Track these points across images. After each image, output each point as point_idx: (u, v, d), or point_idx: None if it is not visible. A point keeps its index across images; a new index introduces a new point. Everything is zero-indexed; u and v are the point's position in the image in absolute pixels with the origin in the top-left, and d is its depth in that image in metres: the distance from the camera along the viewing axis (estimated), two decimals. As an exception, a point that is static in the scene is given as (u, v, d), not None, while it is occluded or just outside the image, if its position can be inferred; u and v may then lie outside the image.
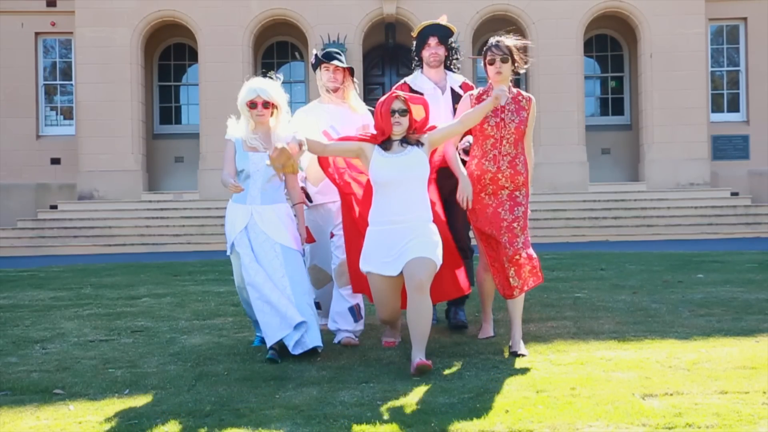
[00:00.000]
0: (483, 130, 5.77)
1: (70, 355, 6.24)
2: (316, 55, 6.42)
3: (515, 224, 5.71)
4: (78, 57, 20.09)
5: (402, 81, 6.47)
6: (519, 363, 5.46)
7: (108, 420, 4.46)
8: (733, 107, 21.29)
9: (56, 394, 5.07)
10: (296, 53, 21.45)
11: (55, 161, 20.96)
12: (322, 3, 19.83)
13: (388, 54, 21.19)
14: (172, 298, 9.12)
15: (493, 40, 5.87)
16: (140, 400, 4.85)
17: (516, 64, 5.80)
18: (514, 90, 5.89)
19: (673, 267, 11.21)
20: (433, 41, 6.23)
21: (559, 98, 19.82)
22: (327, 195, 6.36)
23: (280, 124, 5.98)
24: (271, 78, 6.07)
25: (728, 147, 20.92)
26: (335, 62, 6.34)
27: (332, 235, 6.30)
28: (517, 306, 5.81)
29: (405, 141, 5.55)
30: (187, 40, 20.90)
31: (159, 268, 12.83)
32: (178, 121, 21.63)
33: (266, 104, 5.89)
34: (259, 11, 19.98)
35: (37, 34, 21.14)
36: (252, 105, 5.87)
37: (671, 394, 4.62)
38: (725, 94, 21.37)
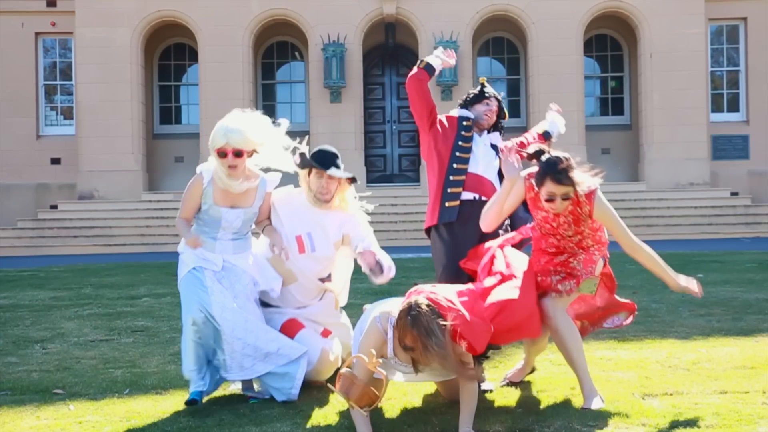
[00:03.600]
0: (543, 250, 4.75)
1: (70, 355, 6.24)
2: (303, 155, 5.06)
3: (557, 285, 4.61)
4: (78, 57, 20.08)
5: (453, 114, 5.50)
6: (519, 363, 5.46)
7: (108, 420, 4.46)
8: (733, 107, 21.28)
9: (56, 394, 5.07)
10: (296, 53, 21.44)
11: (55, 161, 20.94)
12: (322, 3, 19.82)
13: (388, 54, 21.18)
14: (172, 298, 9.13)
15: (550, 157, 4.48)
16: (140, 400, 4.85)
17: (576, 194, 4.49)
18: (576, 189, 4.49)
19: (673, 267, 11.18)
20: (492, 102, 5.44)
21: (559, 98, 19.65)
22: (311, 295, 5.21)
23: (271, 161, 5.01)
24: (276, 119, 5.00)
25: (728, 147, 20.91)
26: (332, 171, 4.98)
27: (327, 333, 5.22)
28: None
29: None
30: (187, 40, 20.89)
31: (159, 268, 12.83)
32: (178, 121, 21.62)
33: (238, 152, 4.77)
34: (259, 11, 19.97)
35: (37, 34, 21.11)
36: (221, 153, 4.76)
37: (671, 394, 4.63)
38: (725, 94, 21.36)
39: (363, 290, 8.51)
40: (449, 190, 5.21)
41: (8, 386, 5.29)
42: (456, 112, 5.47)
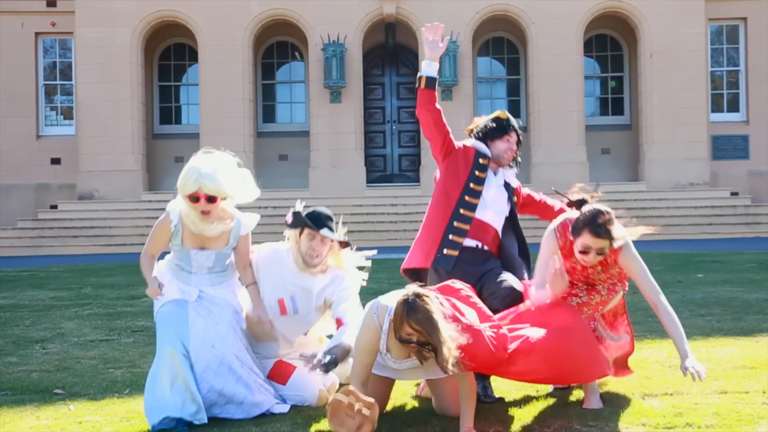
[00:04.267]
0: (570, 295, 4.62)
1: (70, 355, 6.24)
2: (296, 213, 4.71)
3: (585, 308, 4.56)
4: (78, 57, 20.08)
5: (470, 145, 5.11)
6: (519, 363, 5.45)
7: (108, 420, 4.46)
8: (733, 107, 21.28)
9: (56, 394, 5.07)
10: (296, 53, 21.44)
11: (55, 161, 20.95)
12: (322, 3, 19.82)
13: (388, 54, 21.18)
14: (172, 298, 9.11)
15: (593, 215, 4.34)
16: (140, 400, 4.85)
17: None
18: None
19: (673, 267, 11.21)
20: (513, 138, 5.10)
21: (559, 98, 19.83)
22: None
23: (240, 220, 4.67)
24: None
25: (728, 147, 20.91)
26: (325, 232, 4.66)
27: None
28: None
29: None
30: (187, 40, 20.89)
31: (159, 268, 12.81)
32: (178, 121, 21.62)
33: (211, 198, 4.46)
34: (259, 11, 19.97)
35: (37, 34, 21.12)
36: (193, 198, 4.45)
37: (671, 394, 4.62)
38: (725, 94, 21.36)
39: (363, 290, 8.51)
40: (450, 237, 4.88)
41: (8, 386, 5.29)
42: (472, 143, 5.10)
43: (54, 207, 19.66)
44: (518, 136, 5.14)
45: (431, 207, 5.08)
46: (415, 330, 3.89)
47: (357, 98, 19.92)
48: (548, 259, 4.47)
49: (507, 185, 5.11)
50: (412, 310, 3.88)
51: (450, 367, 3.87)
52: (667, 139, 19.85)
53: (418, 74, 5.01)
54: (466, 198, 4.93)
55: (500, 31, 21.28)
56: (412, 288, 4.02)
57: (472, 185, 4.95)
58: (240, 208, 4.74)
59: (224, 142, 19.87)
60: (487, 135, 5.09)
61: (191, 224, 4.52)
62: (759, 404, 4.33)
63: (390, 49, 21.00)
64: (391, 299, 4.09)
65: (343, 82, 19.58)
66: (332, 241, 4.70)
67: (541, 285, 4.47)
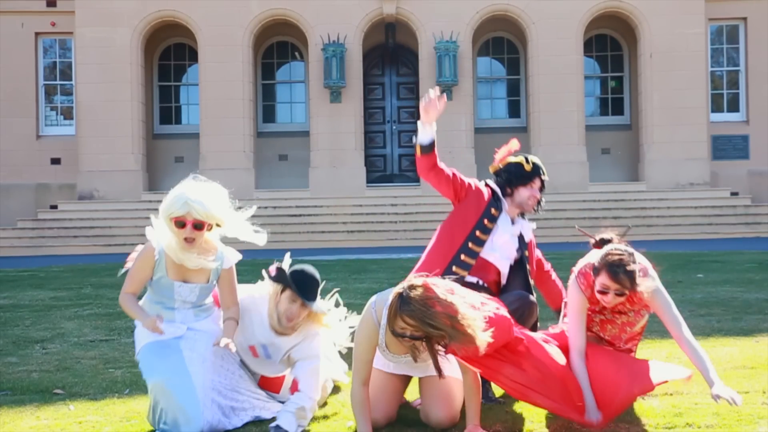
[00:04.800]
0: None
1: (70, 355, 6.25)
2: (280, 269, 4.48)
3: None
4: (78, 57, 20.09)
5: (487, 192, 4.97)
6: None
7: (108, 420, 4.46)
8: (733, 107, 21.28)
9: (56, 394, 5.07)
10: (296, 53, 21.45)
11: (55, 161, 20.96)
12: (322, 3, 19.83)
13: (388, 54, 21.19)
14: (172, 298, 9.10)
15: (612, 255, 4.23)
16: (140, 400, 4.85)
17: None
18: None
19: (673, 267, 11.20)
20: (537, 184, 4.94)
21: (559, 98, 19.83)
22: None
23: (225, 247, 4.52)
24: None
25: (728, 147, 20.92)
26: (308, 303, 4.42)
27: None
28: None
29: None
30: (187, 40, 20.90)
31: (159, 268, 12.79)
32: (178, 121, 21.63)
33: (198, 225, 4.28)
34: (259, 11, 19.98)
35: (37, 34, 21.13)
36: (179, 223, 4.25)
37: (671, 394, 4.62)
38: (725, 94, 21.36)
39: (363, 290, 8.51)
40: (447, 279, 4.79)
41: (8, 386, 5.29)
42: (490, 189, 4.95)
43: (54, 207, 19.66)
44: (542, 182, 4.97)
45: (433, 246, 4.93)
46: (408, 324, 3.83)
47: (357, 98, 19.92)
48: (578, 314, 4.38)
49: (521, 238, 4.97)
50: (404, 303, 3.81)
51: (479, 333, 3.75)
52: (667, 139, 19.86)
53: (413, 140, 4.78)
54: (470, 245, 4.81)
55: (500, 31, 21.29)
56: (409, 279, 3.95)
57: (477, 233, 4.83)
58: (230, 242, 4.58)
59: (224, 142, 20.04)
60: (511, 182, 4.94)
61: (172, 253, 4.29)
62: (759, 404, 4.34)
63: (390, 49, 21.00)
64: (390, 294, 4.04)
65: (343, 82, 19.58)
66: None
67: (578, 351, 4.32)
